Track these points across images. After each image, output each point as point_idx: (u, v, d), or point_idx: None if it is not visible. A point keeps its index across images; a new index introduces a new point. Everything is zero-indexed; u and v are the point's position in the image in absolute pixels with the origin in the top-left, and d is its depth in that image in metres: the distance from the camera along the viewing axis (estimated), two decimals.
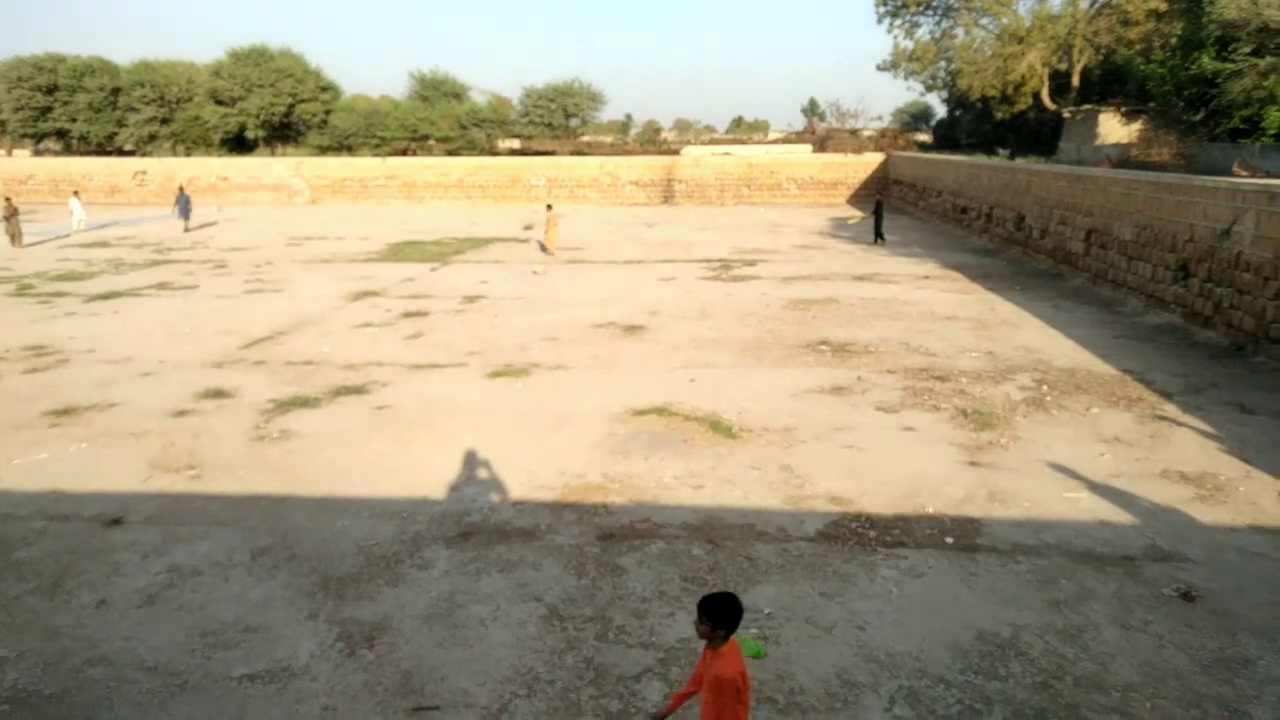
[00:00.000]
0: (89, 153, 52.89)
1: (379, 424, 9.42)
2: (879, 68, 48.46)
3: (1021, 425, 9.11)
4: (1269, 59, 22.74)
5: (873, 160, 40.22)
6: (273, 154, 52.12)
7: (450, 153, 49.34)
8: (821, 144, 47.93)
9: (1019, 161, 28.72)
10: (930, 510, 7.10)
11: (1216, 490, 7.43)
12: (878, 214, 24.81)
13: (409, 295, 17.25)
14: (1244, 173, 18.85)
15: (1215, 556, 6.29)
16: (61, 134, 55.54)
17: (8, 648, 5.32)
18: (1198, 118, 25.15)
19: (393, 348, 12.88)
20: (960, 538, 6.63)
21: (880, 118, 76.51)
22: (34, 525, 6.95)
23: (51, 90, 52.85)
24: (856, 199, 39.22)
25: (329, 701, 4.80)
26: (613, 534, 6.75)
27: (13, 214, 25.31)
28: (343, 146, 51.83)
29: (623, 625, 5.49)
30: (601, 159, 43.21)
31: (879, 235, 24.35)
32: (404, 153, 49.78)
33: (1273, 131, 23.30)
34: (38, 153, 56.80)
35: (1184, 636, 5.30)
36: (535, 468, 8.07)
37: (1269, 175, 18.96)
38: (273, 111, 51.68)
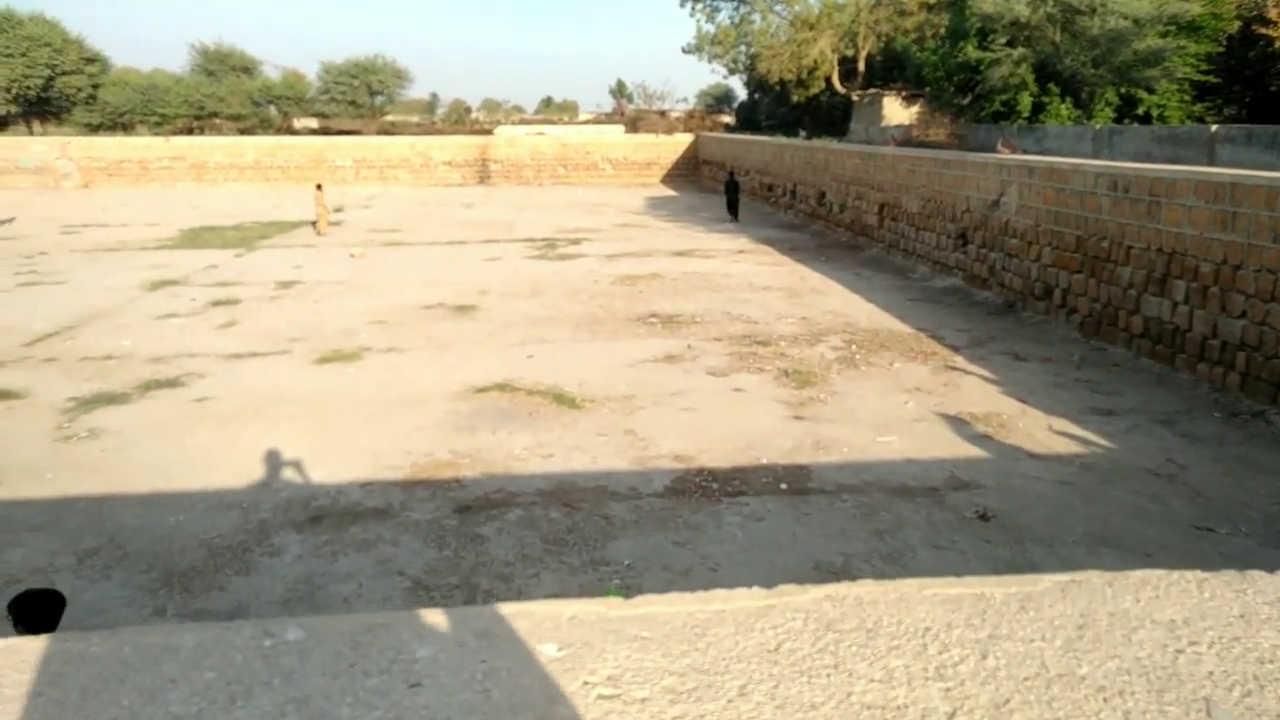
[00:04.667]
0: None
1: (200, 416, 8.90)
2: (684, 50, 49.92)
3: (836, 381, 9.97)
4: (1020, 50, 25.60)
5: (683, 140, 41.52)
6: (31, 133, 46.47)
7: (243, 131, 46.02)
8: (633, 125, 48.86)
9: (816, 142, 30.72)
10: (764, 461, 7.69)
11: (1000, 427, 8.52)
12: (731, 191, 25.15)
13: (215, 283, 16.15)
14: (1006, 150, 21.21)
15: (1003, 482, 7.25)
16: None
17: None
18: (966, 101, 27.85)
19: (204, 338, 12.10)
20: (793, 483, 7.25)
21: (686, 100, 78.74)
22: None
23: None
24: (670, 178, 40.40)
25: None
26: (469, 506, 6.83)
27: None
28: (117, 125, 47.02)
29: (490, 589, 5.62)
30: (412, 138, 41.89)
31: (733, 212, 24.87)
32: (189, 131, 45.90)
33: (1025, 114, 26.25)
34: None
35: (983, 550, 6.12)
36: (380, 449, 7.96)
37: (1026, 153, 21.45)
38: (27, 85, 45.99)
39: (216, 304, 14.28)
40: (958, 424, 8.59)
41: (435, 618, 1.51)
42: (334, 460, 7.70)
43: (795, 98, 44.12)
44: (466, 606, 1.59)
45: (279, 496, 6.99)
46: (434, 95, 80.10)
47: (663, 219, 25.99)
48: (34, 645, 1.40)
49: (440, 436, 8.28)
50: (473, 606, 1.58)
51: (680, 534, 6.36)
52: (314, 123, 52.44)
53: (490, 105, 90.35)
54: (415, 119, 61.10)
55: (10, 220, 25.14)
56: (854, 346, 11.42)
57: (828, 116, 45.56)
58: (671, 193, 35.20)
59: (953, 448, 7.97)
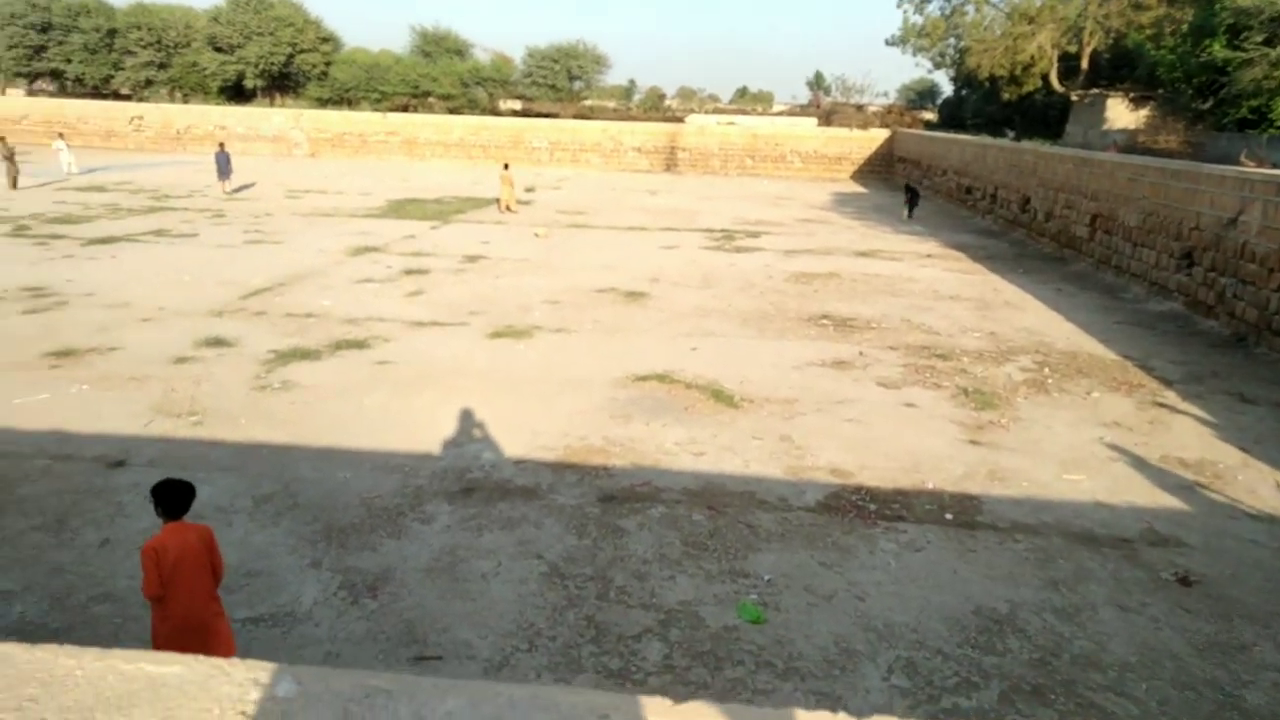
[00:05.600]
0: (84, 95, 52.08)
1: (380, 379, 9.40)
2: (888, 42, 48.03)
3: (1022, 406, 9.14)
4: None
5: (878, 136, 39.92)
6: (272, 104, 51.47)
7: (452, 110, 48.80)
8: (827, 118, 47.61)
9: (1025, 143, 28.56)
10: (930, 486, 7.14)
11: (1215, 478, 7.48)
12: (911, 198, 24.90)
13: (410, 252, 17.12)
14: (1251, 163, 18.78)
15: (1212, 542, 6.35)
16: (56, 74, 54.76)
17: (13, 581, 5.33)
18: (1206, 106, 25.01)
19: (394, 304, 12.81)
20: (959, 514, 6.68)
21: (886, 94, 75.91)
22: (37, 464, 6.93)
23: (45, 29, 51.99)
24: (861, 175, 39.00)
25: (332, 648, 4.83)
26: (614, 496, 6.77)
27: (11, 155, 24.97)
28: (343, 100, 51.24)
29: (623, 586, 5.53)
30: (605, 123, 42.78)
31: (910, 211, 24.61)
32: (405, 109, 49.26)
33: (1279, 123, 23.20)
34: (31, 93, 55.89)
35: (1180, 620, 5.36)
36: (537, 428, 8.07)
37: (1276, 167, 18.91)
38: (272, 61, 50.98)
39: (409, 273, 15.11)
40: (1162, 469, 7.63)
41: (442, 691, 1.29)
42: (493, 434, 7.89)
43: (1006, 95, 41.40)
44: (482, 683, 1.33)
45: (438, 465, 7.23)
46: (631, 81, 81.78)
47: (848, 216, 25.08)
48: (26, 656, 1.35)
49: (596, 422, 8.30)
50: (489, 684, 1.34)
51: (828, 554, 6.00)
52: (517, 104, 54.82)
53: (685, 93, 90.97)
54: (612, 104, 62.57)
55: (251, 185, 27.88)
56: (1046, 369, 10.45)
57: (1041, 117, 42.43)
58: (860, 190, 33.96)
59: (1153, 496, 7.08)
